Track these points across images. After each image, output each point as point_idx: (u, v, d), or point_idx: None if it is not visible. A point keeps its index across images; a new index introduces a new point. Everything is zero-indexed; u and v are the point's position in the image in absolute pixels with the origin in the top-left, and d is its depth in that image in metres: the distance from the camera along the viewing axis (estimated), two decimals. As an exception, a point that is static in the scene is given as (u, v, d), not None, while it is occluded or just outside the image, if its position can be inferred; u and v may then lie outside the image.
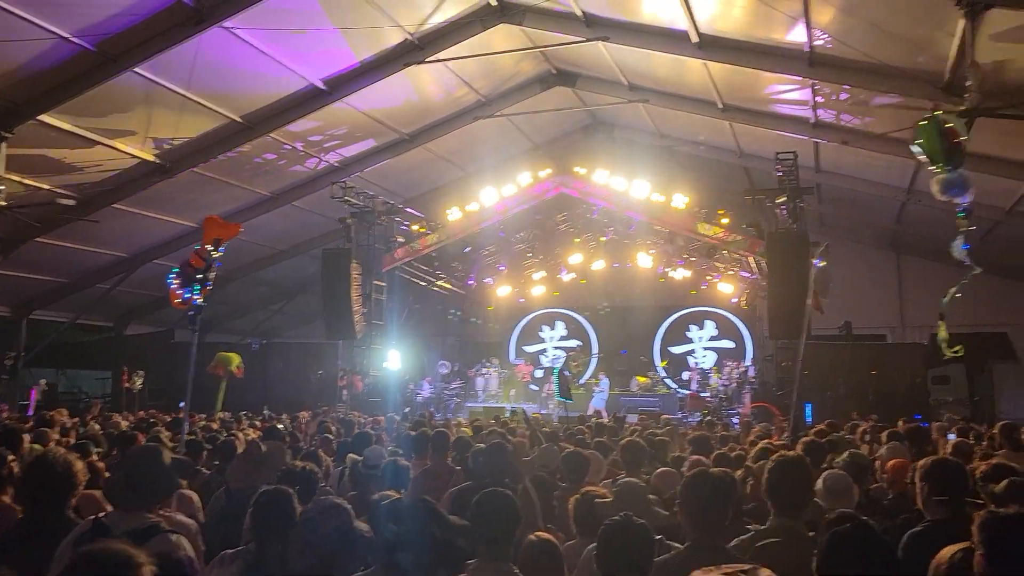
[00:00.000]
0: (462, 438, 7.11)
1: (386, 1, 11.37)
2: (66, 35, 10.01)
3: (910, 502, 4.17)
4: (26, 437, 5.59)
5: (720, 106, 13.82)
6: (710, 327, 22.43)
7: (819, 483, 4.23)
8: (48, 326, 19.84)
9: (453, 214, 17.85)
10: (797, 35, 10.32)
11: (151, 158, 13.69)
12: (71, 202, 12.64)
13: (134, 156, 13.46)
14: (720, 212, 16.30)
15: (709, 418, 13.81)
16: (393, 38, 12.50)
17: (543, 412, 18.17)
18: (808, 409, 13.44)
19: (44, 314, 18.74)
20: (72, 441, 7.12)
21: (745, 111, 14.06)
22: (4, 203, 11.25)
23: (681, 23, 10.97)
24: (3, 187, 11.22)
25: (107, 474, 5.19)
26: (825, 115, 13.05)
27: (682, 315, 22.61)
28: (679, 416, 17.64)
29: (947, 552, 2.52)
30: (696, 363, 21.92)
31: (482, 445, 5.48)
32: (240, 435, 7.20)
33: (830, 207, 18.76)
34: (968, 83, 7.72)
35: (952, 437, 7.57)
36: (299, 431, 10.07)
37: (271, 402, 15.30)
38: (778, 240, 14.45)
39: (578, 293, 22.68)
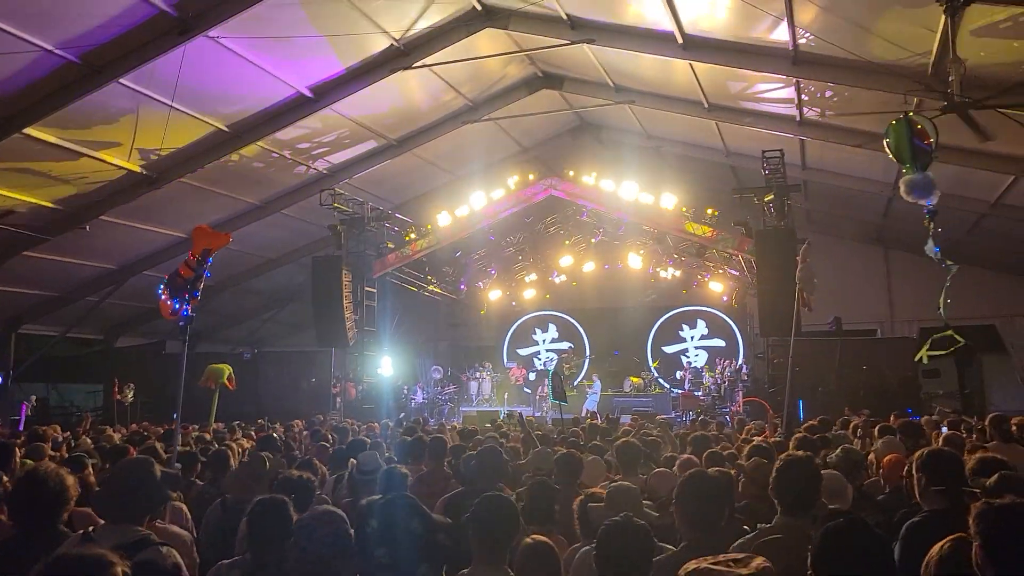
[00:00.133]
0: (458, 443, 7.09)
1: (371, 8, 11.37)
2: (50, 47, 9.96)
3: (906, 497, 4.19)
4: (18, 452, 5.55)
5: (706, 106, 13.88)
6: (701, 326, 22.50)
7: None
8: (38, 340, 19.68)
9: (443, 219, 17.86)
10: (781, 34, 10.38)
11: (137, 169, 13.63)
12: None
13: (120, 167, 13.39)
14: (709, 210, 16.38)
15: (702, 417, 13.85)
16: (379, 44, 12.50)
17: (536, 415, 18.18)
18: (800, 405, 13.50)
19: (33, 328, 18.60)
20: (64, 455, 7.07)
21: (731, 110, 14.12)
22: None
23: (666, 24, 11.01)
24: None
25: (98, 488, 5.15)
26: (810, 112, 13.13)
27: (674, 315, 22.67)
28: (672, 416, 17.68)
29: (936, 547, 2.54)
30: (689, 362, 21.97)
31: (474, 451, 5.47)
32: (233, 445, 7.16)
33: (817, 204, 18.86)
34: (951, 78, 7.79)
35: (944, 430, 7.60)
36: (293, 440, 10.03)
37: (264, 412, 15.22)
38: (766, 238, 14.54)
39: (570, 295, 22.72)
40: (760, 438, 8.13)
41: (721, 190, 17.27)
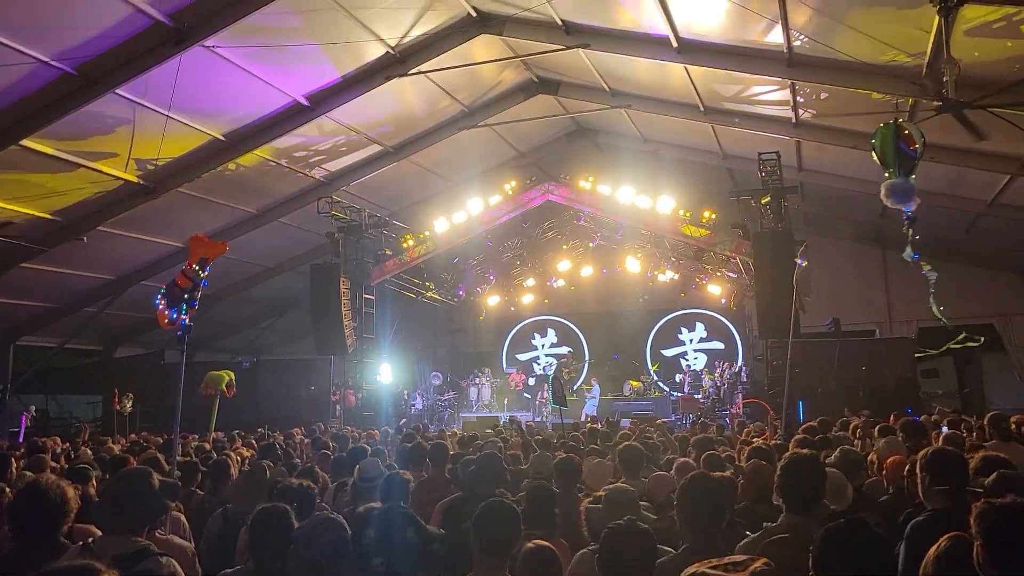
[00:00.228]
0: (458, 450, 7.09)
1: (366, 16, 11.39)
2: (45, 59, 9.96)
3: (908, 497, 4.18)
4: (15, 463, 5.53)
5: (702, 109, 13.91)
6: (700, 329, 22.50)
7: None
8: (36, 351, 19.67)
9: (440, 225, 17.87)
10: (775, 36, 10.41)
11: (135, 179, 13.63)
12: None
13: (118, 178, 13.39)
14: (706, 212, 16.40)
15: (702, 419, 13.83)
16: (374, 52, 12.52)
17: (536, 420, 18.16)
18: (800, 407, 13.49)
19: (32, 339, 18.58)
20: (63, 466, 7.05)
21: (726, 113, 14.16)
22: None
23: (661, 28, 11.04)
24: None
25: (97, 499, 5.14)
26: (806, 114, 13.17)
27: (672, 318, 22.66)
28: (672, 419, 17.68)
29: (933, 546, 2.54)
30: (688, 365, 21.97)
31: (473, 457, 5.46)
32: (233, 455, 7.14)
33: (814, 205, 18.90)
34: (945, 78, 7.82)
35: (945, 429, 7.61)
36: (293, 448, 10.01)
37: (263, 420, 15.20)
38: (764, 240, 14.56)
39: (568, 300, 22.72)
40: (760, 440, 8.12)
41: (718, 193, 17.31)
